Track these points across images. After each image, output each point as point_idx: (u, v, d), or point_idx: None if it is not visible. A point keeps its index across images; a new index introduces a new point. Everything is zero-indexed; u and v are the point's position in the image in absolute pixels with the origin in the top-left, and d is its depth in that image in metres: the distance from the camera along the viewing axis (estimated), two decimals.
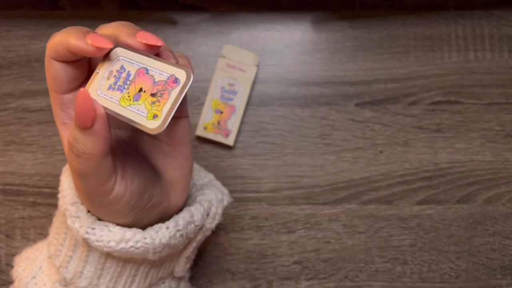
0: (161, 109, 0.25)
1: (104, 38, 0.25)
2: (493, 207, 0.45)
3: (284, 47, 0.47)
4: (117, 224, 0.30)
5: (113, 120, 0.30)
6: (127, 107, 0.26)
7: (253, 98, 0.46)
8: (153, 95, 0.26)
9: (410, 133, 0.46)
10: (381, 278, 0.44)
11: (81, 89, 0.26)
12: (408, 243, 0.45)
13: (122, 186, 0.28)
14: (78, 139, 0.26)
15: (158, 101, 0.26)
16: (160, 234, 0.30)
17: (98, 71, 0.27)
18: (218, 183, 0.38)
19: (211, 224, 0.34)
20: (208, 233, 0.35)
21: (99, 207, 0.29)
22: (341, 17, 0.47)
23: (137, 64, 0.27)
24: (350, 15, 0.48)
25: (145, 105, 0.26)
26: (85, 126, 0.25)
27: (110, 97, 0.26)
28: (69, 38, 0.25)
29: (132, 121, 0.26)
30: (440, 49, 0.47)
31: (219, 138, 0.45)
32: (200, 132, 0.45)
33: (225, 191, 0.37)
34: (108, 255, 0.31)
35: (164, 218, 0.32)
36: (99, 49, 0.25)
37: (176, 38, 0.47)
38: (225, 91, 0.45)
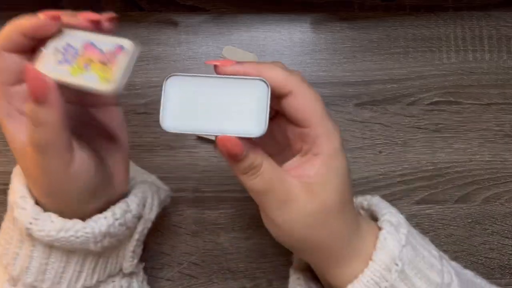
0: (113, 73, 0.27)
1: (54, 11, 0.28)
2: (491, 206, 0.45)
3: (284, 48, 0.47)
4: (62, 216, 0.31)
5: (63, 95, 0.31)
6: (79, 75, 0.27)
7: None
8: (102, 63, 0.27)
9: (409, 133, 0.46)
10: None
11: (26, 64, 0.27)
12: None
13: (80, 158, 0.29)
14: (36, 112, 0.27)
15: (109, 68, 0.27)
16: (99, 223, 0.32)
17: (42, 49, 0.28)
18: (158, 181, 0.40)
19: (149, 215, 0.36)
20: (149, 224, 0.36)
21: (54, 186, 0.30)
22: (340, 18, 0.48)
23: (82, 40, 0.28)
24: (349, 16, 0.48)
25: (96, 72, 0.27)
26: (39, 99, 0.26)
27: (59, 70, 0.28)
28: (21, 22, 0.28)
29: (86, 87, 0.27)
30: (438, 50, 0.47)
31: None
32: None
33: (165, 187, 0.40)
34: (52, 249, 0.32)
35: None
36: (53, 18, 0.27)
37: (177, 39, 0.47)
38: None
